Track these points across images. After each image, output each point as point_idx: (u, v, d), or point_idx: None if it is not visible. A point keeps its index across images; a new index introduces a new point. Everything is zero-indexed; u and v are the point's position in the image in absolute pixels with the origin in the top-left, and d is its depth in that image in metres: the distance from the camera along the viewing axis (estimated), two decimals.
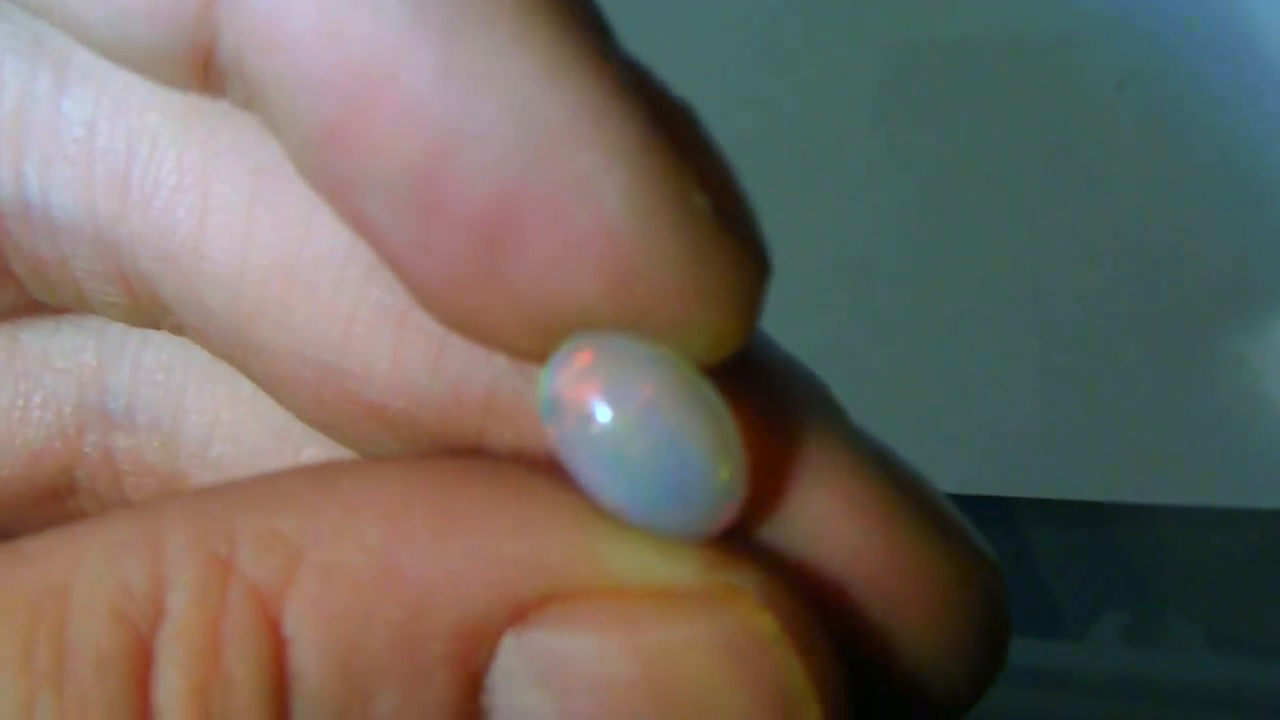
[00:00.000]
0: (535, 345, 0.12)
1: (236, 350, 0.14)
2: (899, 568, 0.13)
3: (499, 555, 0.11)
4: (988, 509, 0.37)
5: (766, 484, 0.13)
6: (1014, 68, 0.38)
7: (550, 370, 0.12)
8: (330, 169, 0.12)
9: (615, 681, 0.11)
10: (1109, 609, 0.38)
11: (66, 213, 0.14)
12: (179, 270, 0.13)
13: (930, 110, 0.38)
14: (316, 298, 0.13)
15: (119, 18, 0.12)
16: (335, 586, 0.11)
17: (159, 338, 0.15)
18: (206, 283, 0.13)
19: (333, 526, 0.11)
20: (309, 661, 0.11)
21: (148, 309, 0.14)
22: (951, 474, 0.36)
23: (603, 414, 0.12)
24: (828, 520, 0.13)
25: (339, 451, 0.14)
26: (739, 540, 0.12)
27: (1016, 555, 0.38)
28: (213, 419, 0.15)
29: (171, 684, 0.11)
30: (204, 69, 0.12)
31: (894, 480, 0.13)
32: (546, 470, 0.12)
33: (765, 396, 0.13)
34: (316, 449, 0.15)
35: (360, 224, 0.12)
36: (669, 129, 0.11)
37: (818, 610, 0.12)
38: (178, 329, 0.14)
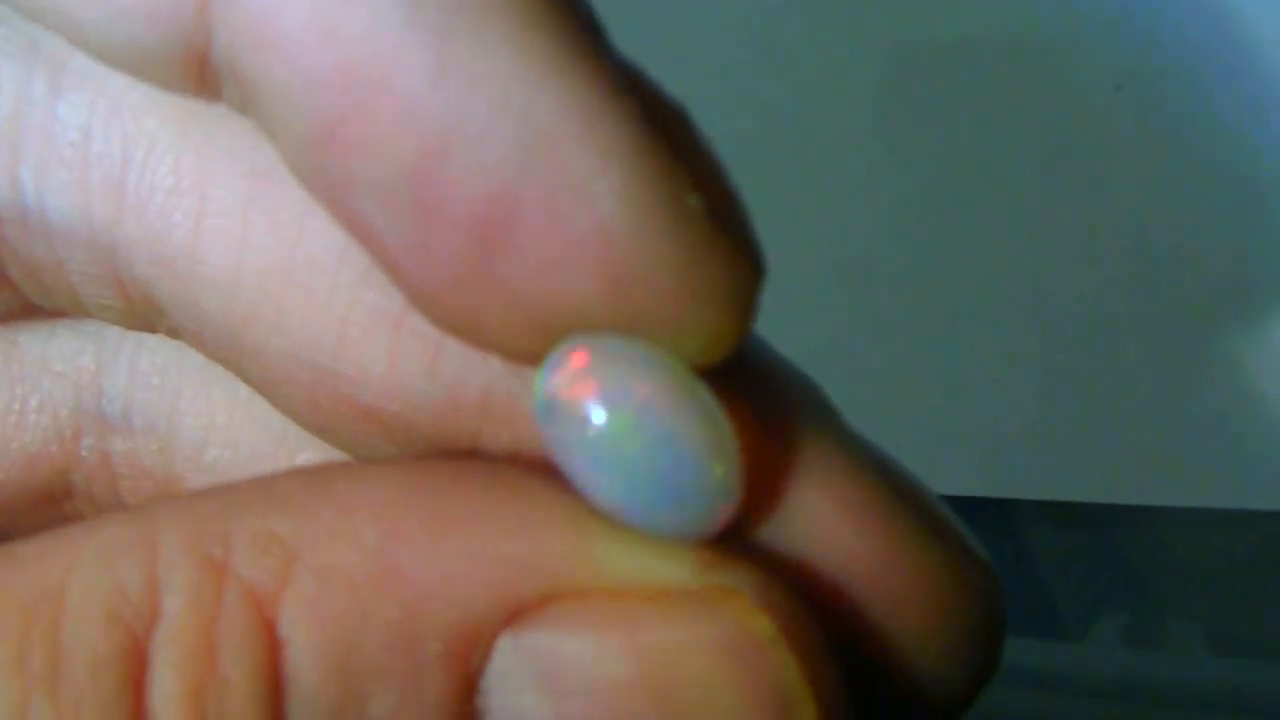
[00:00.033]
0: (530, 347, 0.12)
1: (232, 354, 0.14)
2: (894, 569, 0.13)
3: (495, 556, 0.11)
4: (987, 510, 0.37)
5: (762, 485, 0.13)
6: (1013, 68, 0.38)
7: (545, 372, 0.12)
8: (325, 169, 0.12)
9: (612, 682, 0.11)
10: (1108, 610, 0.38)
11: (62, 217, 0.14)
12: (174, 274, 0.13)
13: (930, 111, 0.38)
14: (312, 301, 0.13)
15: (114, 19, 0.12)
16: (331, 588, 0.11)
17: (155, 341, 0.15)
18: (202, 286, 0.13)
19: (328, 528, 0.11)
20: (305, 663, 0.11)
21: (143, 312, 0.14)
22: (951, 475, 0.36)
23: (598, 415, 0.12)
24: (823, 521, 0.13)
25: (335, 455, 0.14)
26: (735, 542, 0.12)
27: (1016, 556, 0.38)
28: (208, 422, 0.15)
29: (166, 686, 0.11)
30: (199, 71, 0.12)
31: (889, 482, 0.13)
32: (543, 472, 0.12)
33: (760, 399, 0.13)
34: (312, 453, 0.15)
35: (355, 225, 0.12)
36: (663, 130, 0.11)
37: (814, 611, 0.12)
38: (173, 332, 0.14)
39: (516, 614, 0.11)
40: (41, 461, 0.16)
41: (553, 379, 0.12)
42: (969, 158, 0.38)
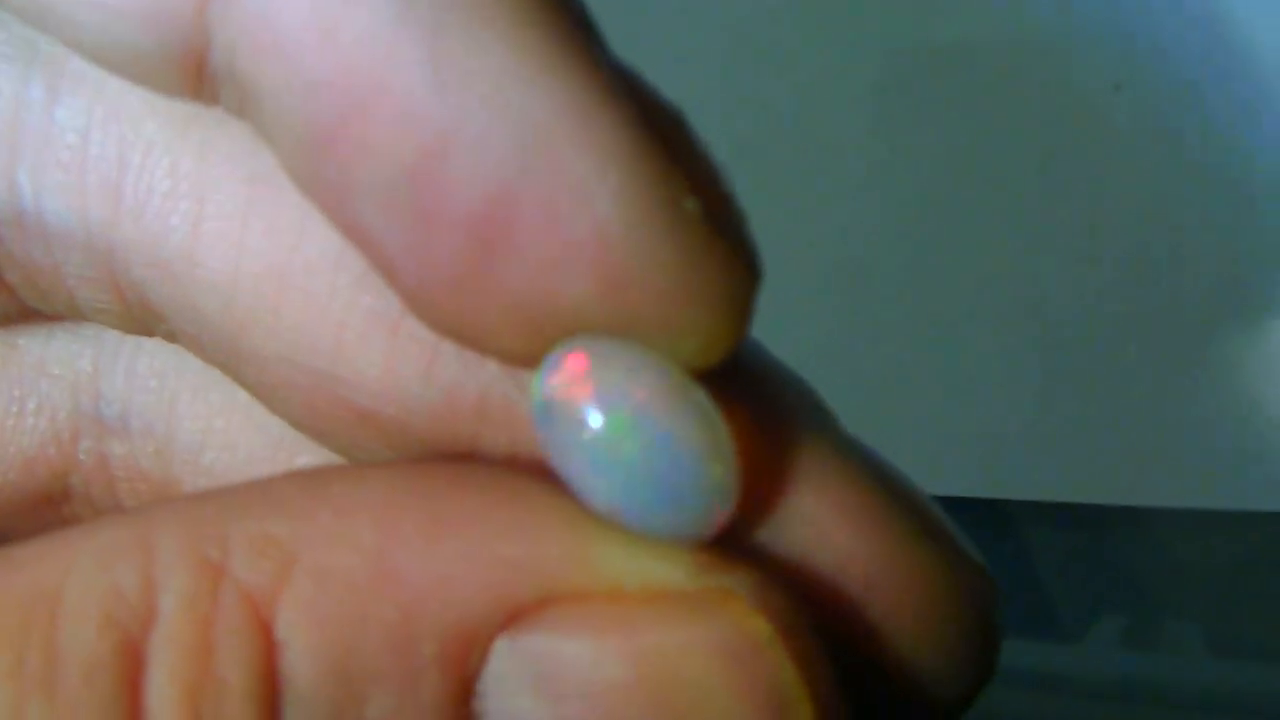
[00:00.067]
0: (527, 350, 0.12)
1: (229, 357, 0.14)
2: (890, 571, 0.13)
3: (492, 558, 0.11)
4: (986, 511, 0.37)
5: (759, 488, 0.13)
6: (1011, 70, 0.38)
7: (542, 375, 0.12)
8: (323, 172, 0.12)
9: (609, 685, 0.11)
10: (1107, 611, 0.38)
11: (60, 220, 0.14)
12: (172, 277, 0.13)
13: (928, 113, 0.38)
14: (309, 305, 0.13)
15: (112, 22, 0.12)
16: (328, 589, 0.11)
17: (153, 345, 0.15)
18: (199, 290, 0.13)
19: (325, 530, 0.11)
20: (302, 664, 0.11)
21: (140, 316, 0.14)
22: (950, 476, 0.36)
23: (595, 418, 0.12)
24: (820, 524, 0.13)
25: (332, 459, 0.14)
26: (732, 545, 0.12)
27: (1014, 557, 0.38)
28: (206, 426, 0.15)
29: (163, 687, 0.11)
30: (197, 74, 0.12)
31: (884, 486, 0.13)
32: (540, 474, 0.12)
33: (757, 402, 0.13)
34: (309, 456, 0.15)
35: (352, 228, 0.12)
36: (660, 134, 0.11)
37: (811, 614, 0.12)
38: (170, 336, 0.14)
39: (514, 616, 0.11)
40: (39, 464, 0.16)
41: (549, 381, 0.12)
42: (967, 159, 0.38)
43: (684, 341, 0.12)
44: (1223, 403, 0.36)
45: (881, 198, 0.38)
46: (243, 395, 0.14)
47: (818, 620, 0.12)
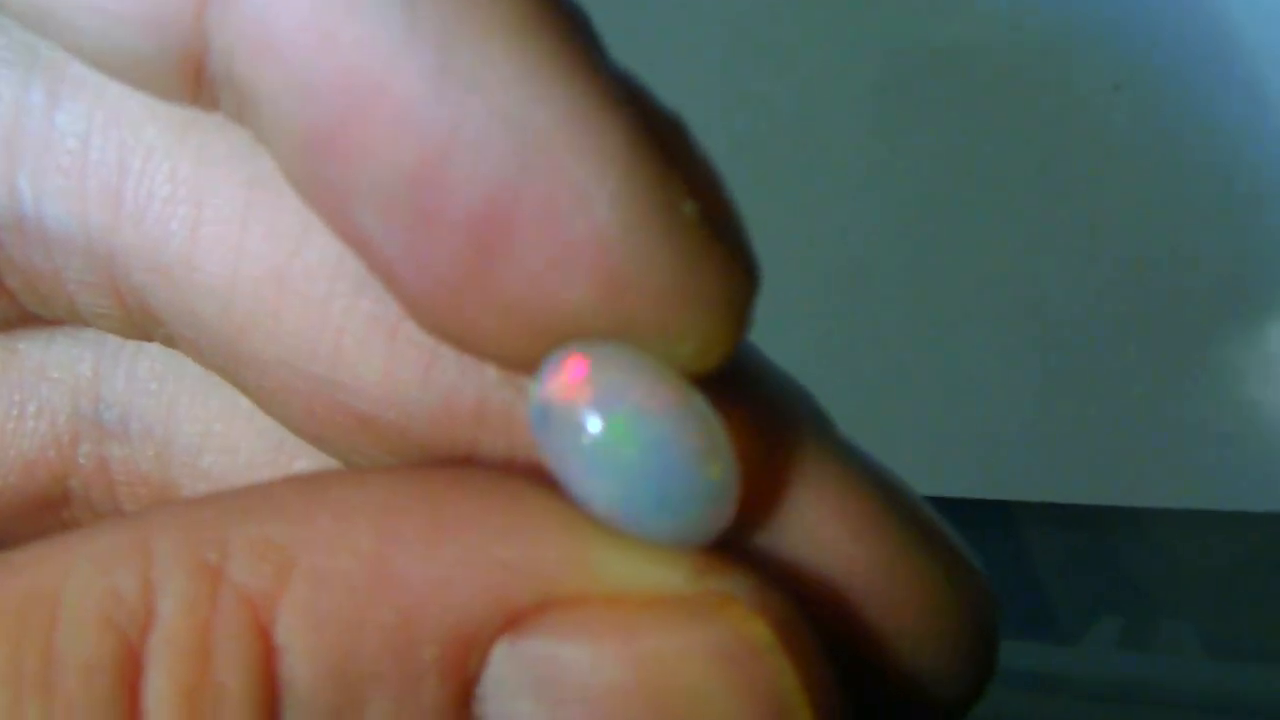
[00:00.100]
0: (525, 354, 0.12)
1: (228, 362, 0.14)
2: (889, 575, 0.13)
3: (491, 561, 0.11)
4: (985, 512, 0.37)
5: (757, 493, 0.13)
6: (1010, 70, 0.38)
7: (540, 379, 0.12)
8: (321, 176, 0.12)
9: (608, 689, 0.11)
10: (1105, 613, 0.38)
11: (60, 225, 0.14)
12: (171, 282, 0.14)
13: (927, 113, 0.38)
14: (308, 309, 0.13)
15: (113, 27, 0.12)
16: (327, 593, 0.11)
17: (153, 349, 0.15)
18: (198, 294, 0.13)
19: (324, 534, 0.11)
20: (301, 668, 0.11)
21: (140, 321, 0.14)
22: (949, 477, 0.36)
23: (593, 423, 0.12)
24: (819, 529, 0.13)
25: (331, 463, 0.14)
26: (731, 549, 0.12)
27: (1013, 558, 0.38)
28: (205, 429, 0.15)
29: (161, 690, 0.11)
30: (196, 79, 0.12)
31: (883, 490, 0.13)
32: (539, 479, 0.12)
33: (755, 407, 0.13)
34: (308, 460, 0.15)
35: (351, 232, 0.12)
36: (658, 138, 0.11)
37: (810, 618, 0.12)
38: (169, 341, 0.14)
39: (513, 620, 0.11)
40: (39, 468, 0.16)
41: (548, 386, 0.12)
42: (967, 159, 0.38)
43: (682, 345, 0.12)
44: (1222, 403, 0.36)
45: (881, 198, 0.38)
46: (242, 399, 0.14)
47: (817, 625, 0.12)
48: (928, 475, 0.14)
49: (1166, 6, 0.36)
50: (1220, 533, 0.37)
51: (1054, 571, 0.38)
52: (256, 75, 0.12)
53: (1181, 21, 0.36)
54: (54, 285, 0.14)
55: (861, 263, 0.38)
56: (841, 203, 0.39)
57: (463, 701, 0.11)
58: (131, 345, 0.15)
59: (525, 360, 0.12)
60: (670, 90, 0.12)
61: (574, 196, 0.11)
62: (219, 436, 0.15)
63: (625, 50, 0.12)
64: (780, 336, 0.14)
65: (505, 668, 0.11)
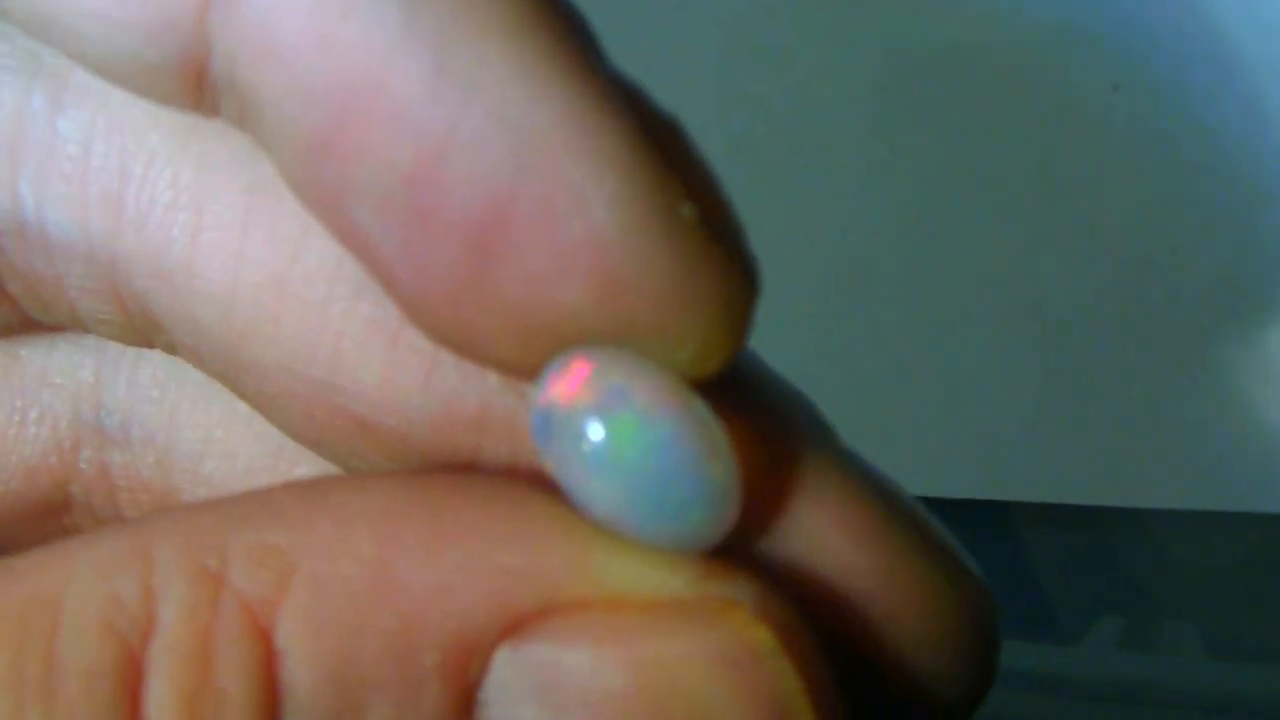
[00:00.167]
0: (524, 359, 0.12)
1: (229, 368, 0.14)
2: (890, 581, 0.13)
3: (492, 567, 0.11)
4: (985, 512, 0.37)
5: (758, 499, 0.13)
6: (1009, 70, 0.38)
7: (541, 385, 0.12)
8: (321, 178, 0.12)
9: (610, 694, 0.11)
10: (1105, 613, 0.38)
11: (61, 231, 0.14)
12: (172, 287, 0.14)
13: (927, 113, 0.38)
14: (308, 314, 0.13)
15: (115, 33, 0.12)
16: (328, 598, 0.11)
17: (155, 355, 0.15)
18: (199, 300, 0.13)
19: (325, 540, 0.11)
20: (301, 673, 0.11)
21: (141, 327, 0.14)
22: (949, 477, 0.36)
23: (594, 428, 0.12)
24: (819, 535, 0.13)
25: (331, 469, 0.14)
26: (733, 554, 0.12)
27: (1013, 558, 0.38)
28: (206, 435, 0.15)
29: (162, 696, 0.11)
30: (197, 85, 0.12)
31: (883, 497, 0.13)
32: (540, 484, 0.12)
33: (756, 413, 0.13)
34: (309, 466, 0.15)
35: (350, 236, 0.12)
36: (656, 140, 0.11)
37: (811, 623, 0.12)
38: (170, 348, 0.14)
39: (515, 625, 0.11)
40: (41, 474, 0.16)
41: (548, 392, 0.12)
42: (967, 159, 0.38)
43: (681, 349, 0.12)
44: (1222, 404, 0.36)
45: (881, 198, 0.38)
46: (243, 406, 0.14)
47: (818, 630, 0.12)
48: (927, 476, 0.14)
49: (1165, 7, 0.36)
50: (1220, 533, 0.37)
51: (1054, 572, 0.38)
52: (259, 79, 0.12)
53: (1180, 22, 0.36)
54: (55, 291, 0.14)
55: (861, 263, 0.38)
56: (841, 203, 0.39)
57: (464, 707, 0.11)
58: (133, 352, 0.15)
59: (526, 366, 0.12)
60: (670, 89, 0.12)
61: (571, 198, 0.11)
62: (220, 443, 0.15)
63: (623, 52, 0.12)
64: (780, 337, 0.14)
65: (507, 673, 0.11)
